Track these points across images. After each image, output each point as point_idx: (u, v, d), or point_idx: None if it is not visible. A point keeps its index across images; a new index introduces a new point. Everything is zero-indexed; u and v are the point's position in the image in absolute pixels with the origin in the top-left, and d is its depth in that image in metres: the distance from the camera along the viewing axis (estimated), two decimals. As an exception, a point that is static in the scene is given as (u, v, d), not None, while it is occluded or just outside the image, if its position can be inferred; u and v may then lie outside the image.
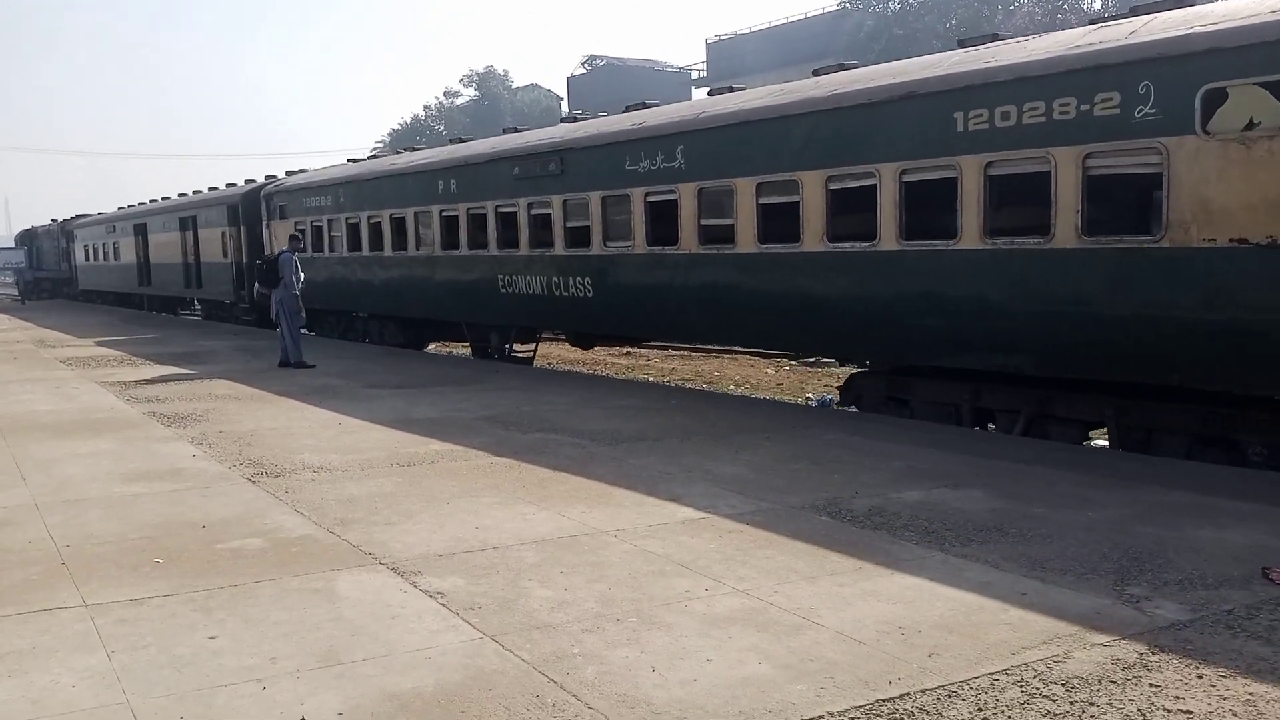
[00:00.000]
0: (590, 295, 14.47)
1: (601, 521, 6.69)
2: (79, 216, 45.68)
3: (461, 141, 20.31)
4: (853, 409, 11.99)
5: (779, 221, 11.77)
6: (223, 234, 26.81)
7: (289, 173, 26.60)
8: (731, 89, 14.07)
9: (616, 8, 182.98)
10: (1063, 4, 50.45)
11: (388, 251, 19.90)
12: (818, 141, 11.20)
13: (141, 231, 34.84)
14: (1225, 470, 8.08)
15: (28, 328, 27.61)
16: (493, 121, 68.34)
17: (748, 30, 66.08)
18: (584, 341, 16.96)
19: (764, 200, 11.82)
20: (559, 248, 15.04)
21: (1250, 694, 4.03)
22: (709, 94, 14.54)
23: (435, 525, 6.67)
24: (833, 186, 11.01)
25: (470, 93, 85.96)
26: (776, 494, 7.36)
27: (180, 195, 33.41)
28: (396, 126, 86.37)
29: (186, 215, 30.05)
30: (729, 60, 64.05)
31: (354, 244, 21.12)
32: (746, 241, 12.03)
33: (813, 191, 11.19)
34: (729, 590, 5.33)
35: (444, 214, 17.93)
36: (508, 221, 16.23)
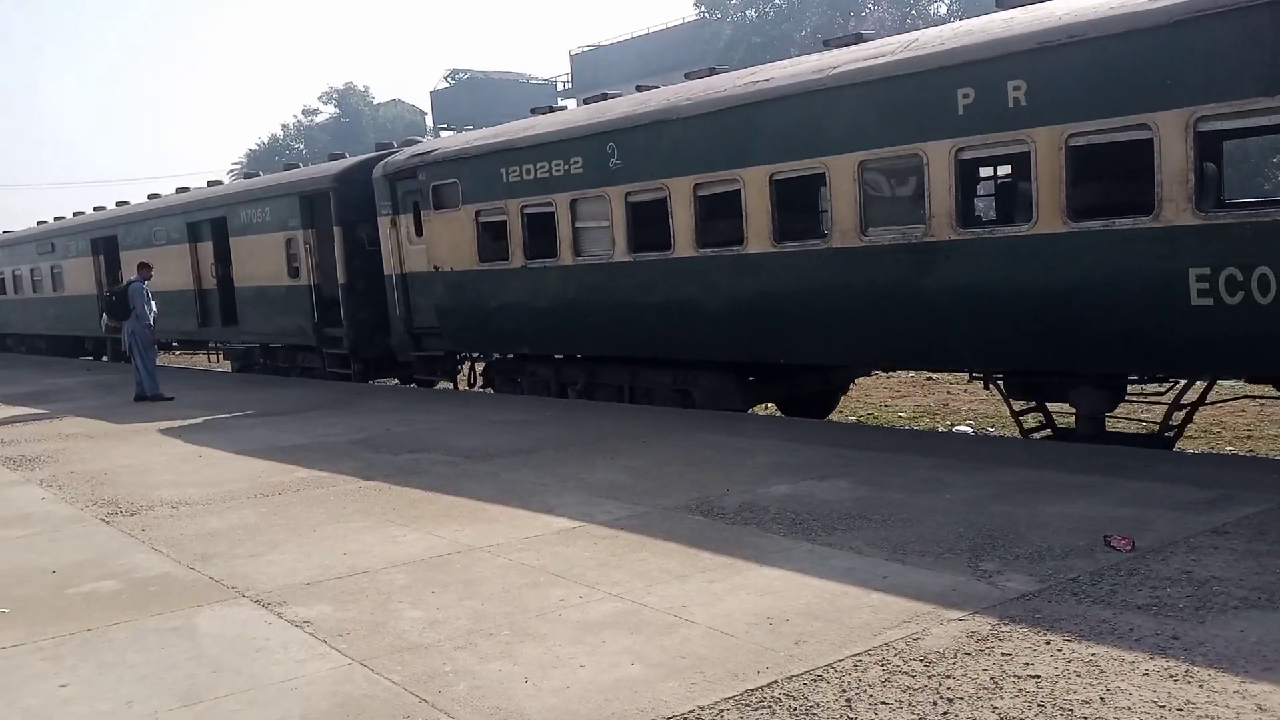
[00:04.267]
0: None
1: (474, 538, 6.63)
2: None
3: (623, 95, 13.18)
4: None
5: None
6: (288, 241, 17.87)
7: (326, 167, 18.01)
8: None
9: (476, 21, 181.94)
10: (911, 10, 52.49)
11: (754, 247, 10.77)
12: None
13: (106, 248, 24.80)
14: (1064, 447, 8.59)
15: None
16: (354, 139, 66.99)
17: (610, 41, 66.60)
18: None
19: None
20: None
21: (1093, 655, 4.27)
22: None
23: (301, 554, 6.50)
24: None
25: (331, 109, 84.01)
26: (651, 497, 7.43)
27: (152, 195, 24.55)
28: (254, 147, 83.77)
29: (204, 219, 20.40)
30: (593, 71, 64.33)
31: (638, 239, 12.06)
32: None
33: None
34: (603, 596, 5.36)
35: (962, 157, 9.04)
36: None
